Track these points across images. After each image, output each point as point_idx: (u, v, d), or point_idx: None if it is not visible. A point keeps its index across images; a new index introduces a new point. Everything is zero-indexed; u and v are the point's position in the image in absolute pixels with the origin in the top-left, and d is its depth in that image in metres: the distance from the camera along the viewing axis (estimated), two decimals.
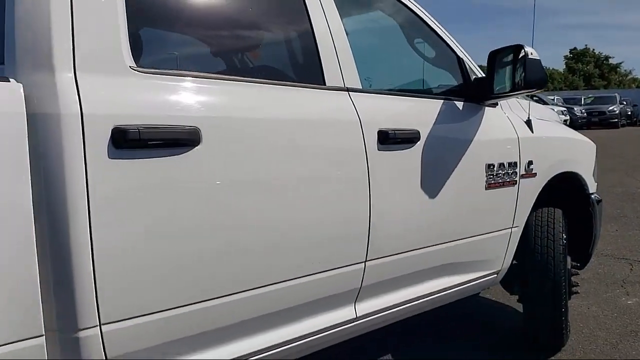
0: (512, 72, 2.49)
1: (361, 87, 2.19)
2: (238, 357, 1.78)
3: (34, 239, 1.36)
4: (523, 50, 2.44)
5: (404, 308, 2.39)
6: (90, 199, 1.41)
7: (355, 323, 2.20)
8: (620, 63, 63.03)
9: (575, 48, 61.27)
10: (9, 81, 1.38)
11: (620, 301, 4.03)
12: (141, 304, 1.54)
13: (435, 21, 2.68)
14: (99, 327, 1.47)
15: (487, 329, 3.63)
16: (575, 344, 3.30)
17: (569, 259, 3.21)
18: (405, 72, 2.79)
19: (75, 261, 1.41)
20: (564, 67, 59.53)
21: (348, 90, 2.14)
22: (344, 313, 2.15)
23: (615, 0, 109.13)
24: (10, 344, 1.34)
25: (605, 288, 4.31)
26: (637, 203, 7.79)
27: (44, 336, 1.40)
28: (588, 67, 58.52)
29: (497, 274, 2.91)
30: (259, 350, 1.84)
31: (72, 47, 1.46)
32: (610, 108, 30.06)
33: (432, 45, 2.76)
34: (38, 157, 1.37)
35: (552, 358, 3.14)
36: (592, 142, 3.63)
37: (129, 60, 1.57)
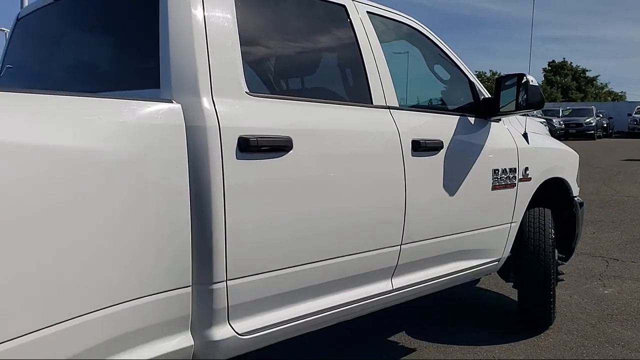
0: (516, 94, 3.08)
1: (398, 105, 2.76)
2: (315, 311, 2.33)
3: (190, 217, 1.89)
4: (525, 78, 3.04)
5: (428, 284, 2.95)
6: (225, 187, 1.95)
7: (391, 294, 2.75)
8: (597, 76, 64.77)
9: (553, 61, 62.80)
10: (172, 102, 1.92)
11: (598, 291, 4.65)
12: (253, 265, 2.08)
13: (451, 51, 3.26)
14: (225, 282, 2.00)
15: (485, 312, 4.21)
16: (561, 324, 3.89)
17: (556, 251, 3.81)
18: (427, 92, 3.37)
19: (214, 234, 1.94)
20: (543, 79, 60.93)
21: (389, 108, 2.70)
22: (383, 285, 2.70)
23: (591, 15, 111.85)
24: (176, 290, 1.88)
25: (584, 281, 4.93)
26: (612, 209, 8.48)
27: (192, 286, 1.94)
28: (566, 80, 59.99)
29: (498, 261, 3.49)
30: (328, 308, 2.39)
31: (209, 78, 2.01)
32: (587, 120, 31.02)
33: (448, 70, 3.34)
34: (192, 156, 1.90)
35: (542, 335, 3.72)
36: (576, 152, 4.24)
37: (245, 87, 2.12)
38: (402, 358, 3.43)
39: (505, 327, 3.87)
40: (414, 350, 3.54)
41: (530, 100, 3.03)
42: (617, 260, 5.62)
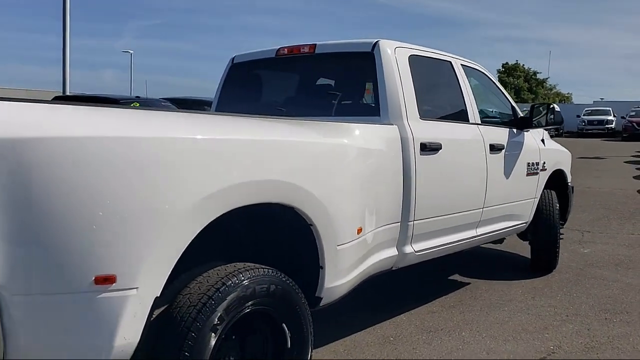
0: (546, 115, 4.86)
1: (480, 122, 4.49)
2: (447, 243, 4.05)
3: (402, 184, 3.57)
4: (552, 105, 4.82)
5: (491, 234, 4.72)
6: (416, 169, 3.63)
7: (476, 238, 4.49)
8: (547, 78, 68.35)
9: (507, 63, 66.05)
10: (392, 125, 3.59)
11: (580, 250, 6.54)
12: (425, 213, 3.77)
13: (502, 86, 5.03)
14: (413, 221, 3.69)
15: (508, 263, 6.03)
16: (560, 269, 5.71)
17: (558, 218, 5.63)
18: (487, 111, 5.16)
19: (411, 194, 3.61)
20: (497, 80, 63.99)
21: (476, 124, 4.43)
22: (472, 232, 4.44)
23: (538, 17, 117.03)
24: (392, 224, 3.55)
25: (569, 245, 6.80)
26: (577, 198, 10.21)
27: (399, 223, 3.62)
28: (518, 81, 63.19)
29: (526, 223, 5.29)
30: (453, 242, 4.11)
31: (405, 109, 3.68)
32: None
33: (499, 97, 5.11)
34: (403, 152, 3.57)
35: (549, 275, 5.54)
36: (569, 152, 6.09)
37: (418, 114, 3.80)
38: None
39: (523, 271, 5.67)
40: (468, 283, 5.29)
41: (555, 120, 4.83)
42: (589, 232, 7.55)
